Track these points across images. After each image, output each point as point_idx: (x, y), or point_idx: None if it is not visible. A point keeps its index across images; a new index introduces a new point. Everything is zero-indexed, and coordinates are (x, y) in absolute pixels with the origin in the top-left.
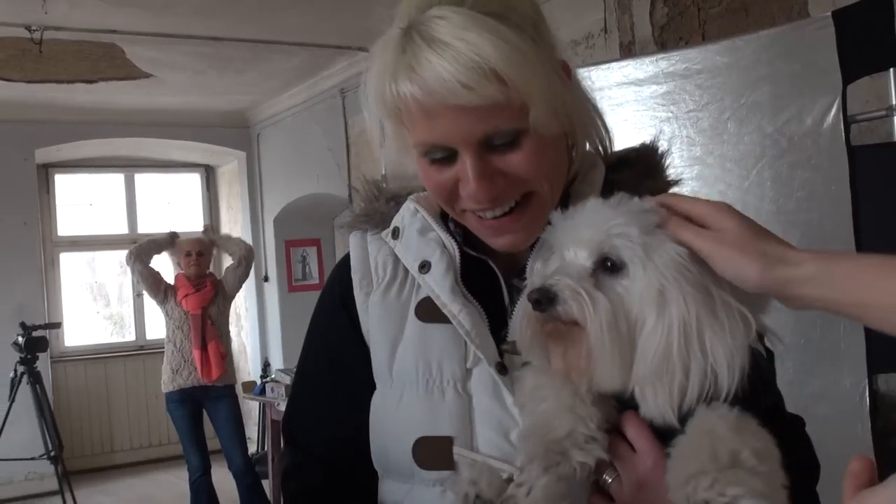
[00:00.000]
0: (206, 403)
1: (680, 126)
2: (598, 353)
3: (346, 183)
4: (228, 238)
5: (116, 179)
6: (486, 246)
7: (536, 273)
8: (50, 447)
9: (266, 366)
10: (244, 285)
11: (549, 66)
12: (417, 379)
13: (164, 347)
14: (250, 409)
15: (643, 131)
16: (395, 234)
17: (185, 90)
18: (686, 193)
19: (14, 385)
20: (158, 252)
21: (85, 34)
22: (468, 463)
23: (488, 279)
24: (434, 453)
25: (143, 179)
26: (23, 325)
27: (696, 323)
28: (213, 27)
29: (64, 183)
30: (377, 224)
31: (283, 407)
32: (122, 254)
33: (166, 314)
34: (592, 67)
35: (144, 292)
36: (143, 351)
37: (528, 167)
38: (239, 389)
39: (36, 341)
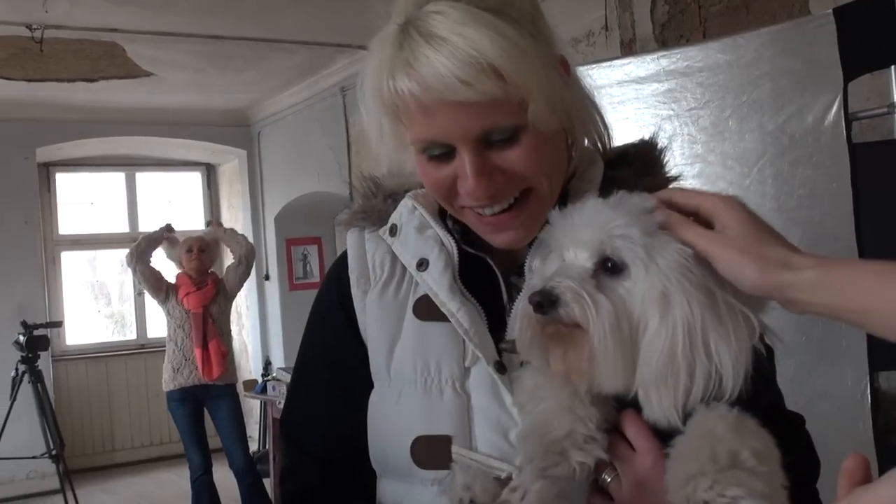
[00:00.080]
0: (207, 402)
1: (681, 124)
2: (601, 356)
3: (347, 181)
4: (234, 234)
5: (117, 178)
6: (484, 243)
7: (536, 273)
8: (51, 446)
9: (267, 364)
10: (245, 284)
11: (548, 62)
12: (416, 378)
13: (165, 346)
14: (251, 407)
15: (644, 129)
16: (393, 231)
17: (185, 89)
18: (684, 186)
19: (15, 384)
20: (156, 246)
21: (85, 33)
22: (462, 468)
23: (486, 277)
24: (432, 453)
25: (143, 178)
26: (24, 323)
27: (700, 325)
28: (213, 26)
29: (65, 182)
30: (375, 221)
31: None
32: (123, 252)
33: (167, 313)
34: (593, 65)
35: (145, 291)
36: (144, 350)
37: (526, 163)
38: (240, 388)
39: (37, 340)
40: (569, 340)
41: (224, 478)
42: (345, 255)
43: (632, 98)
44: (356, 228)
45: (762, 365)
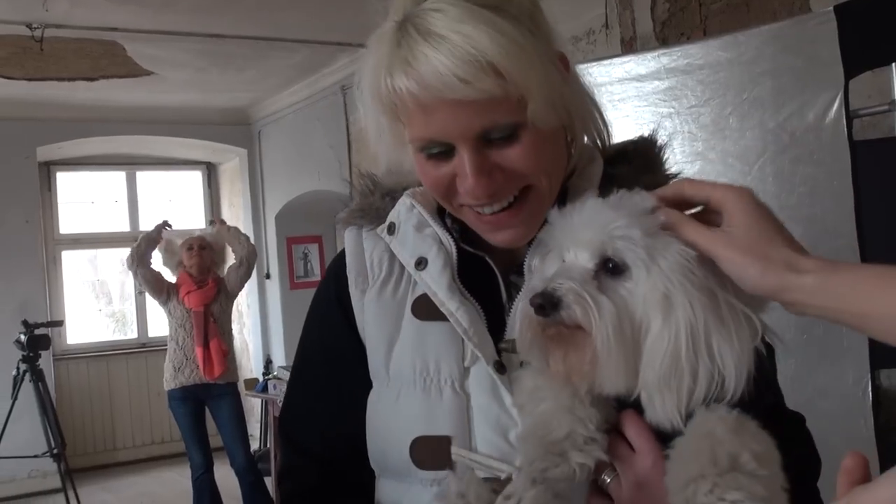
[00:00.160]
0: (208, 401)
1: (682, 121)
2: (604, 358)
3: (348, 180)
4: (238, 233)
5: (118, 177)
6: (483, 242)
7: (536, 274)
8: (53, 445)
9: (268, 363)
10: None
11: (547, 59)
12: (415, 378)
13: (166, 345)
14: (252, 406)
15: (645, 127)
16: (391, 229)
17: (186, 88)
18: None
19: (17, 383)
20: (155, 246)
21: (86, 32)
22: (456, 476)
23: (485, 276)
24: (432, 453)
25: (144, 177)
26: (25, 322)
27: (702, 327)
28: (213, 24)
29: (65, 181)
30: (373, 220)
31: None
32: (123, 251)
33: (169, 313)
34: (594, 63)
35: (147, 293)
36: (145, 348)
37: (526, 161)
38: (241, 387)
39: (38, 339)
40: (570, 342)
41: (225, 476)
42: (343, 253)
43: (632, 96)
44: (354, 227)
45: (763, 365)
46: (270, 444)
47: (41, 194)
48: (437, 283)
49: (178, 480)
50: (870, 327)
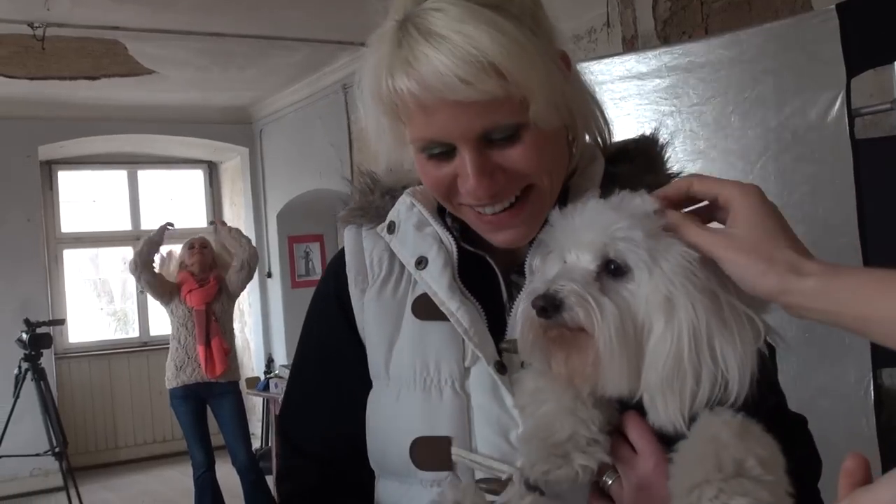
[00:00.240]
0: (209, 399)
1: (683, 120)
2: (606, 360)
3: (348, 179)
4: (239, 235)
5: (119, 176)
6: (483, 241)
7: (537, 275)
8: (54, 443)
9: (270, 362)
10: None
11: (549, 58)
12: (415, 378)
13: (167, 344)
14: (254, 404)
15: (646, 126)
16: (391, 228)
17: (187, 86)
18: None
19: (18, 382)
20: (157, 249)
21: (87, 31)
22: (451, 483)
23: (486, 276)
24: (432, 454)
25: (146, 176)
26: (27, 321)
27: (705, 329)
28: (214, 23)
29: (67, 180)
30: (372, 218)
31: None
32: (125, 250)
33: (171, 312)
34: (595, 61)
35: (149, 295)
36: (146, 347)
37: (528, 162)
38: (242, 385)
39: (40, 338)
40: (572, 344)
41: (227, 475)
42: (342, 252)
43: (634, 94)
44: (353, 225)
45: (766, 367)
46: (272, 442)
47: (43, 193)
48: (437, 282)
49: (179, 479)
50: (871, 331)
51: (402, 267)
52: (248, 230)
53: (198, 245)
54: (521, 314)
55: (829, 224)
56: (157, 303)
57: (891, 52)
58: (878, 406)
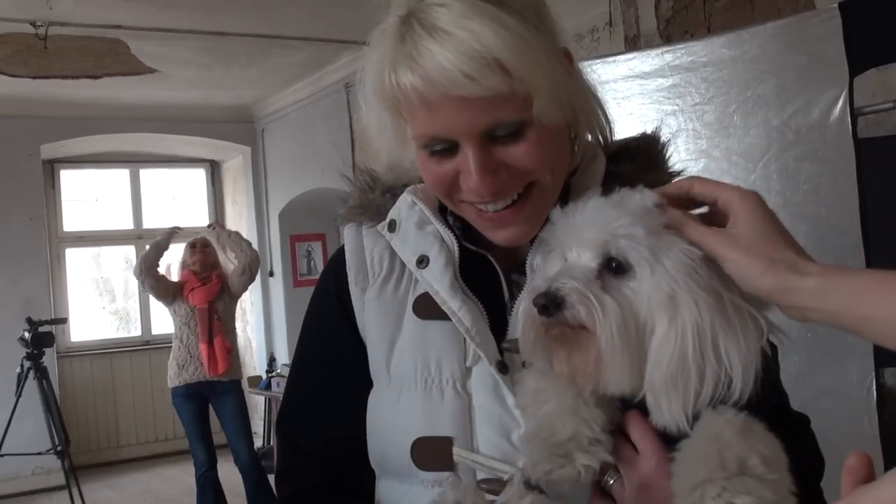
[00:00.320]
0: (212, 398)
1: (686, 119)
2: (608, 358)
3: (347, 177)
4: (239, 238)
5: (121, 175)
6: (484, 240)
7: (538, 274)
8: (56, 442)
9: (271, 360)
10: None
11: (552, 55)
12: (416, 378)
13: (169, 342)
14: (256, 403)
15: (648, 125)
16: (392, 227)
17: (189, 85)
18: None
19: (21, 380)
20: (163, 253)
21: (89, 30)
22: (452, 483)
23: (487, 274)
24: (433, 454)
25: (148, 175)
26: (29, 320)
27: (709, 327)
28: (216, 22)
29: (69, 178)
30: (373, 217)
31: None
32: (127, 249)
33: (173, 312)
34: (597, 61)
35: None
36: (148, 346)
37: (531, 159)
38: (244, 384)
39: (42, 336)
40: (574, 342)
41: (229, 473)
42: (342, 250)
43: (636, 93)
44: (353, 223)
45: (769, 366)
46: (274, 441)
47: (45, 192)
48: (438, 281)
49: (181, 477)
50: (871, 330)
51: (403, 266)
52: (251, 229)
53: (199, 244)
54: (522, 312)
55: (832, 223)
56: (160, 303)
57: (893, 51)
58: (881, 406)
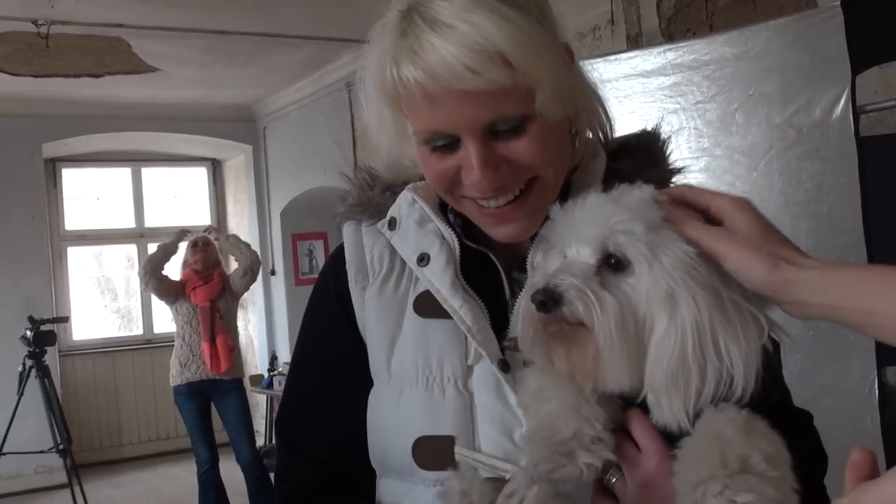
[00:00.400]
0: (214, 397)
1: (688, 117)
2: (606, 354)
3: (346, 175)
4: (237, 241)
5: (123, 173)
6: (485, 237)
7: (538, 271)
8: (58, 441)
9: (273, 359)
10: None
11: (554, 49)
12: (417, 376)
13: (171, 341)
14: (258, 402)
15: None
16: (392, 225)
17: (191, 84)
18: (693, 184)
19: (23, 379)
20: (170, 257)
21: (91, 28)
22: (458, 475)
23: (488, 272)
24: (435, 453)
25: (149, 173)
26: (31, 318)
27: (709, 325)
28: (217, 21)
29: (71, 177)
30: (372, 215)
31: None
32: (129, 248)
33: (175, 311)
34: (599, 59)
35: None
36: (150, 345)
37: (533, 154)
38: (246, 383)
39: (44, 335)
40: (573, 339)
41: (231, 472)
42: (341, 248)
43: (638, 92)
44: (353, 222)
45: (770, 363)
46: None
47: (47, 191)
48: (439, 279)
49: (183, 476)
50: (873, 325)
51: (404, 264)
52: (252, 228)
53: (201, 243)
54: (520, 309)
55: (834, 221)
56: (162, 302)
57: None
58: (883, 404)
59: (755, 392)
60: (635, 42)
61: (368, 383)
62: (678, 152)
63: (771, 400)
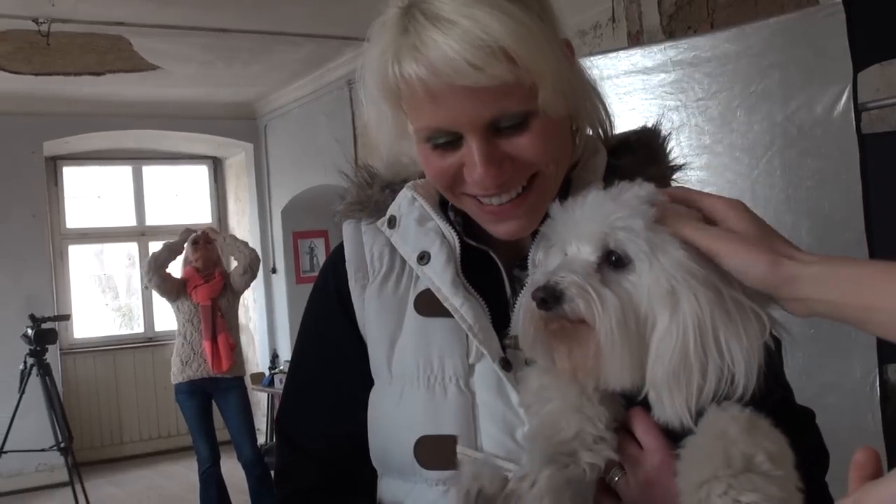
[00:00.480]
0: (215, 394)
1: (689, 114)
2: (608, 352)
3: (345, 173)
4: (234, 240)
5: (124, 172)
6: (486, 235)
7: (538, 268)
8: (60, 439)
9: (274, 357)
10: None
11: (556, 44)
12: (418, 376)
13: (172, 339)
14: (259, 400)
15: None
16: (392, 223)
17: (191, 82)
18: (693, 183)
19: (24, 377)
20: (175, 256)
21: (92, 26)
22: (470, 459)
23: (489, 271)
24: (437, 453)
25: (150, 172)
26: (32, 317)
27: (710, 322)
28: (218, 19)
29: (72, 175)
30: (371, 213)
31: None
32: (130, 246)
33: (177, 309)
34: (600, 56)
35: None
36: (151, 343)
37: (535, 150)
38: (247, 381)
39: (45, 333)
40: (574, 337)
41: (232, 470)
42: (341, 247)
43: (639, 88)
44: (352, 220)
45: (772, 360)
46: None
47: (48, 189)
48: (440, 278)
49: (184, 474)
50: (873, 321)
51: (404, 262)
52: (253, 226)
53: (202, 241)
54: (521, 307)
55: (835, 219)
56: (164, 299)
57: None
58: (884, 401)
59: (757, 390)
60: (636, 40)
61: (368, 382)
62: (679, 149)
63: (773, 397)
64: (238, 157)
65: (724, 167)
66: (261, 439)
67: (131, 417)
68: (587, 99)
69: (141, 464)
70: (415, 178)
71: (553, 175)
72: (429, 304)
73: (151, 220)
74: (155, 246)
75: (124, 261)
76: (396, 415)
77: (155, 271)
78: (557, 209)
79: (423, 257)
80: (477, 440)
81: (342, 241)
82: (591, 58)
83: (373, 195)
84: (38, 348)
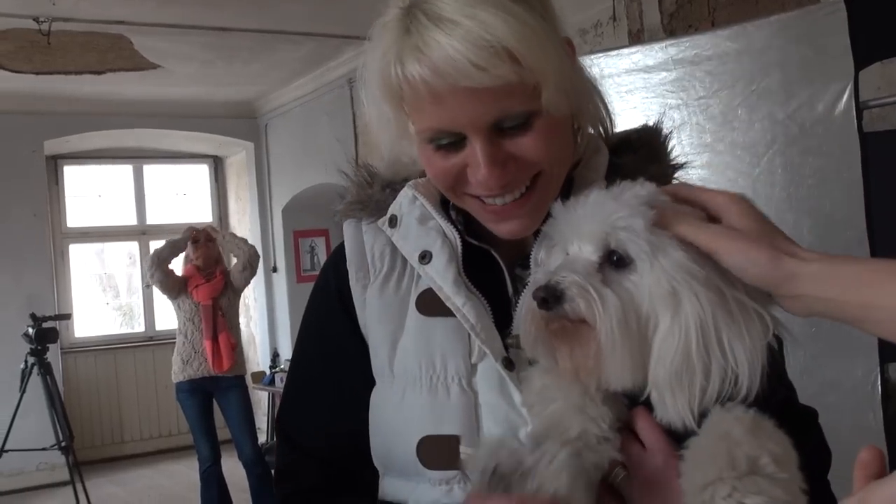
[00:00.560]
0: (216, 393)
1: (690, 113)
2: (609, 352)
3: (344, 172)
4: (233, 238)
5: (125, 170)
6: (488, 234)
7: (540, 268)
8: (61, 438)
9: (275, 356)
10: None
11: (558, 44)
12: (420, 376)
13: (173, 338)
14: (259, 399)
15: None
16: (393, 222)
17: (192, 81)
18: (694, 181)
19: (25, 376)
20: (178, 254)
21: (92, 25)
22: (484, 441)
23: (491, 270)
24: (439, 453)
25: (151, 170)
26: (33, 316)
27: (712, 322)
28: (218, 18)
29: (73, 174)
30: (372, 212)
31: None
32: (131, 245)
33: (178, 307)
34: (601, 54)
35: (155, 288)
36: (152, 342)
37: (539, 150)
38: (248, 380)
39: (46, 332)
40: (575, 337)
41: (233, 469)
42: (341, 247)
43: (640, 87)
44: (353, 219)
45: (776, 361)
46: None
47: (48, 188)
48: (442, 277)
49: (185, 473)
50: (871, 319)
51: (405, 262)
52: (254, 225)
53: (203, 239)
54: (522, 307)
55: (837, 217)
56: (164, 297)
57: None
58: (886, 400)
59: (761, 390)
60: (637, 38)
61: (369, 381)
62: (680, 148)
63: (776, 397)
64: (239, 156)
65: (725, 165)
66: (261, 438)
67: (132, 416)
68: (589, 98)
69: (142, 463)
70: (415, 177)
71: (555, 175)
72: (430, 304)
73: (152, 219)
74: (156, 245)
75: (125, 260)
76: (399, 415)
77: (157, 266)
78: (559, 208)
79: (425, 256)
80: (480, 440)
81: (343, 241)
82: (592, 56)
83: (373, 194)
84: (39, 347)
